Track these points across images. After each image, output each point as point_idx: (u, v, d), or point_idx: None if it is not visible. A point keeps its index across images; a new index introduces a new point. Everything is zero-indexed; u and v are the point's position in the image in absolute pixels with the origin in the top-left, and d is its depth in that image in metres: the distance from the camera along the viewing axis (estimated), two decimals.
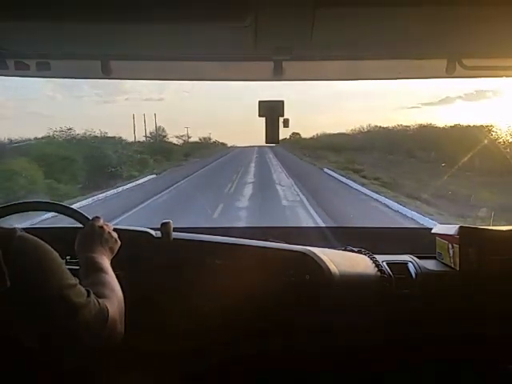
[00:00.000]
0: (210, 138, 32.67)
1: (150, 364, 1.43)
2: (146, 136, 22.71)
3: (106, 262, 1.18)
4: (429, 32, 1.20)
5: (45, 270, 0.88)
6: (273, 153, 27.28)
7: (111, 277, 1.13)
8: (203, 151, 27.23)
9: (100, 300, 0.97)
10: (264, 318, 1.47)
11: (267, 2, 1.00)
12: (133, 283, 1.16)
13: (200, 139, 30.46)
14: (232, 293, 1.43)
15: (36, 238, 0.90)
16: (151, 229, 1.61)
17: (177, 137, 27.46)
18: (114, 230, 1.31)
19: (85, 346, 0.96)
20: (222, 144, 36.22)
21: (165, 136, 25.62)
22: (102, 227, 1.26)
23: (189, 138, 28.86)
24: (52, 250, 0.91)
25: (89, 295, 0.94)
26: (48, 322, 0.89)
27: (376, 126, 21.30)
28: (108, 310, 0.97)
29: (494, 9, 1.04)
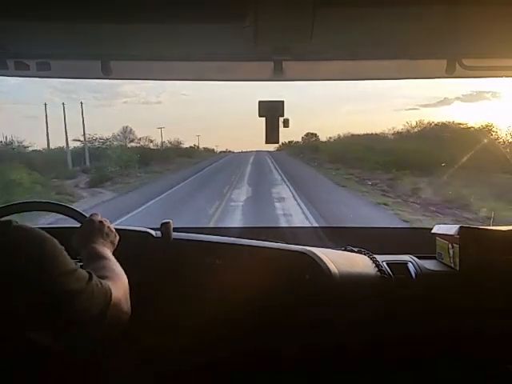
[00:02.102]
0: (179, 143, 25.35)
1: (150, 362, 1.43)
2: (73, 139, 16.60)
3: (107, 251, 1.19)
4: (429, 32, 1.20)
5: (42, 258, 0.87)
6: (289, 180, 12.43)
7: (114, 262, 1.14)
8: (155, 167, 17.11)
9: (103, 281, 0.97)
10: (264, 317, 1.47)
11: (267, 1, 1.00)
12: (133, 283, 1.16)
13: (156, 145, 23.23)
14: (232, 293, 1.43)
15: (32, 227, 0.90)
16: (151, 229, 1.61)
17: (132, 141, 21.23)
18: (114, 229, 1.32)
19: (90, 328, 0.96)
20: (206, 150, 30.27)
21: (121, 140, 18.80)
22: (101, 222, 1.28)
23: (150, 141, 22.34)
24: (50, 237, 0.91)
25: (90, 278, 0.94)
26: (49, 310, 0.88)
27: (430, 123, 14.89)
28: (111, 290, 0.97)
29: (494, 9, 1.04)
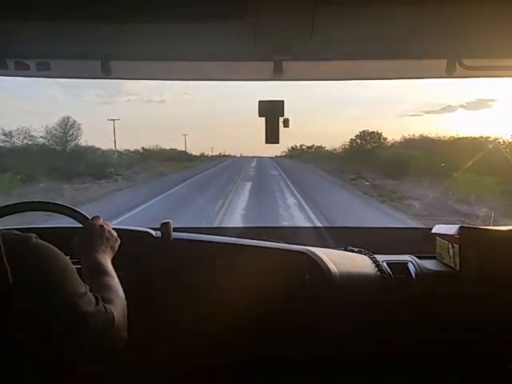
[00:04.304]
0: (83, 148, 14.86)
1: (150, 364, 1.43)
2: None
3: (108, 262, 1.19)
4: (429, 32, 1.20)
5: (56, 278, 0.89)
6: None
7: (114, 279, 1.14)
8: None
9: (107, 306, 0.98)
10: (263, 317, 1.47)
11: (267, 1, 1.00)
12: (133, 283, 1.16)
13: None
14: (232, 293, 1.43)
15: (50, 245, 0.91)
16: (151, 229, 1.60)
17: (76, 139, 13.40)
18: (114, 229, 1.31)
19: (91, 352, 0.98)
20: (176, 154, 21.42)
21: None
22: (102, 226, 1.27)
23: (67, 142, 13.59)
24: (65, 257, 0.93)
25: (97, 303, 0.95)
26: (57, 330, 0.90)
27: None
28: (114, 315, 0.98)
29: (494, 9, 1.04)
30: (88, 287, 0.96)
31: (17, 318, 0.85)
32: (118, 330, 1.00)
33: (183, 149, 24.73)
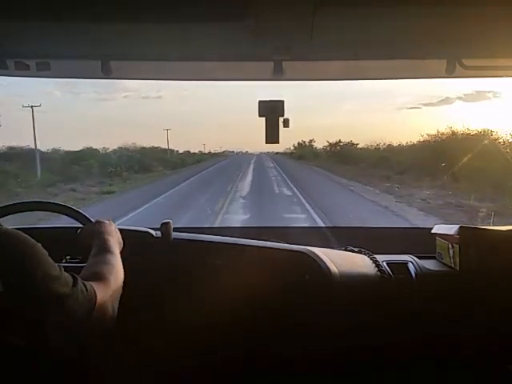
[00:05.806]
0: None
1: (150, 362, 1.43)
2: None
3: (116, 246, 1.21)
4: (429, 32, 1.20)
5: (28, 263, 0.87)
6: None
7: (117, 260, 1.15)
8: None
9: (88, 285, 0.96)
10: (264, 317, 1.47)
11: (267, 1, 1.00)
12: (133, 283, 1.16)
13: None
14: (232, 293, 1.43)
15: (18, 232, 0.90)
16: (151, 229, 1.61)
17: None
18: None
19: (72, 333, 0.95)
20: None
21: None
22: (109, 224, 1.30)
23: None
24: (35, 242, 0.91)
25: (75, 283, 0.93)
26: (34, 315, 0.88)
27: None
28: (96, 294, 0.96)
29: (494, 9, 1.04)
30: (63, 269, 0.93)
31: (5, 317, 0.84)
32: (102, 309, 0.98)
33: (166, 146, 21.01)
